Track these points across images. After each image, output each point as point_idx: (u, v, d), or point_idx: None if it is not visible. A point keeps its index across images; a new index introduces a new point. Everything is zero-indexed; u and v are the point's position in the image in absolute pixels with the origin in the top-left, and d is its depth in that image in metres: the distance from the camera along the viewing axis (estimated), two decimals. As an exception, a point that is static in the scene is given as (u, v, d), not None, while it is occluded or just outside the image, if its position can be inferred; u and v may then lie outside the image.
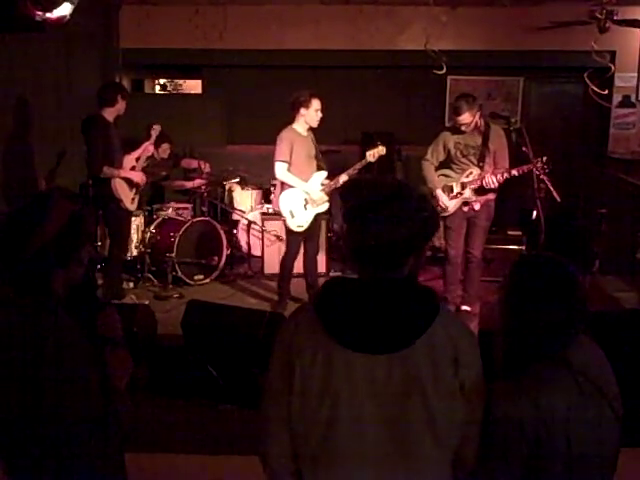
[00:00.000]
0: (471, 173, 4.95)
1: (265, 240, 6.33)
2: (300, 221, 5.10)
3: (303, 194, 5.10)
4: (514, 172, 4.80)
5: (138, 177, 5.36)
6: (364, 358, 1.48)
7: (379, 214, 1.49)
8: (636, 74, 7.46)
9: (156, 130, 5.69)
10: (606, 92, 5.51)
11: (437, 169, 5.10)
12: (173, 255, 5.75)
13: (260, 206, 6.86)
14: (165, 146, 6.56)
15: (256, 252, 6.45)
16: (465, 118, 4.81)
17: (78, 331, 1.79)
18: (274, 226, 6.29)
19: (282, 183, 5.09)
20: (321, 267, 5.86)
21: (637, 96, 7.63)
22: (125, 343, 1.97)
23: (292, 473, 1.59)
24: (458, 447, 1.55)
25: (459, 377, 1.50)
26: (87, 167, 5.25)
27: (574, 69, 7.10)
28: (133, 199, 5.40)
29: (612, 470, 1.70)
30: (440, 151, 5.04)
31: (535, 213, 4.84)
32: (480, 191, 4.94)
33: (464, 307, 5.22)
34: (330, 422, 1.50)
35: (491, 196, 5.02)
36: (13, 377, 1.70)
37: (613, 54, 7.19)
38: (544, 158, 4.69)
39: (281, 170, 5.00)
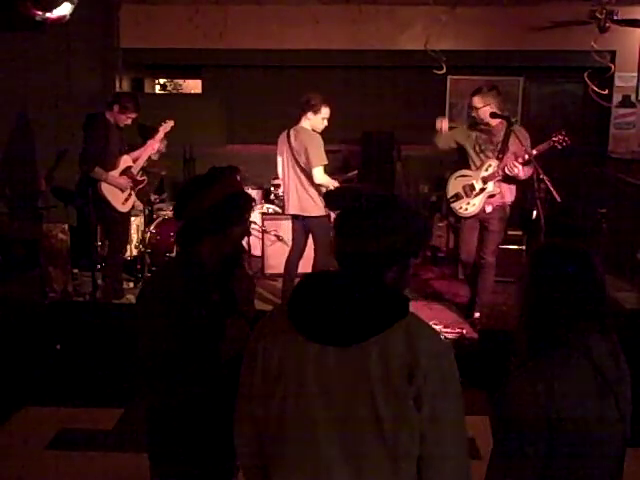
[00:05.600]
0: (490, 166, 4.77)
1: (265, 240, 6.33)
2: None
3: None
4: (534, 152, 4.55)
5: (122, 185, 5.27)
6: (317, 347, 1.48)
7: (363, 223, 1.50)
8: (636, 74, 7.47)
9: (165, 127, 5.54)
10: (606, 92, 5.51)
11: (454, 170, 5.04)
12: (173, 255, 5.74)
13: (260, 206, 6.86)
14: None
15: (256, 252, 6.44)
16: (474, 101, 4.73)
17: (172, 296, 1.95)
18: (274, 226, 6.29)
19: (318, 186, 4.97)
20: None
21: (637, 96, 7.64)
22: (251, 316, 2.14)
23: (258, 466, 1.63)
24: (423, 469, 1.48)
25: (414, 386, 1.43)
26: (79, 164, 5.21)
27: (574, 69, 7.10)
28: (126, 200, 5.34)
29: (618, 468, 1.69)
30: (448, 139, 4.96)
31: (535, 213, 4.80)
32: (505, 180, 4.77)
33: (476, 314, 5.07)
34: (281, 409, 1.50)
35: (507, 198, 4.86)
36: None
37: (613, 54, 7.20)
38: (562, 131, 4.56)
39: (322, 174, 4.93)
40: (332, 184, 5.04)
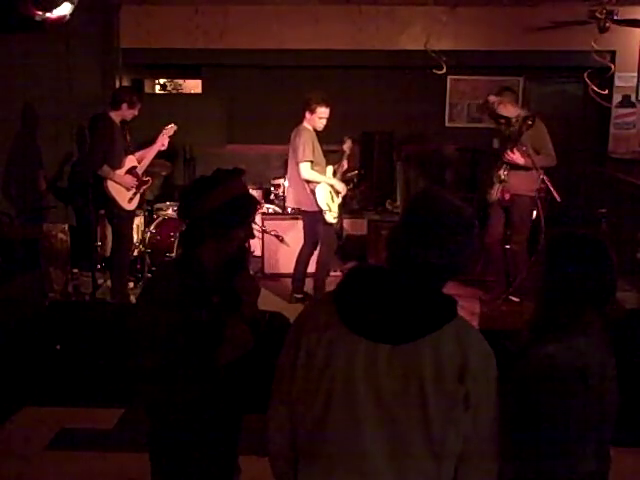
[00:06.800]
0: (503, 156, 5.18)
1: (265, 240, 6.33)
2: (334, 212, 5.27)
3: (328, 187, 5.25)
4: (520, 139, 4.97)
5: (128, 183, 5.27)
6: (367, 344, 1.47)
7: (447, 239, 1.49)
8: (636, 74, 7.47)
9: (169, 131, 5.50)
10: (606, 92, 5.51)
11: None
12: (173, 255, 5.74)
13: (260, 206, 6.86)
14: None
15: (256, 252, 6.44)
16: (491, 100, 5.20)
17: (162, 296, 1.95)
18: (274, 226, 6.29)
19: (307, 182, 5.15)
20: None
21: (637, 96, 7.63)
22: (253, 320, 2.11)
23: (288, 459, 1.62)
24: (460, 468, 1.49)
25: (464, 387, 1.45)
26: (87, 163, 5.21)
27: (574, 69, 7.10)
28: (131, 199, 5.34)
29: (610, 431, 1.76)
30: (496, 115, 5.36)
31: (535, 213, 4.84)
32: (513, 168, 5.11)
33: (515, 299, 5.33)
34: (326, 404, 1.49)
35: (523, 187, 5.12)
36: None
37: (613, 54, 7.19)
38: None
39: (307, 169, 5.12)
40: (320, 180, 5.18)
